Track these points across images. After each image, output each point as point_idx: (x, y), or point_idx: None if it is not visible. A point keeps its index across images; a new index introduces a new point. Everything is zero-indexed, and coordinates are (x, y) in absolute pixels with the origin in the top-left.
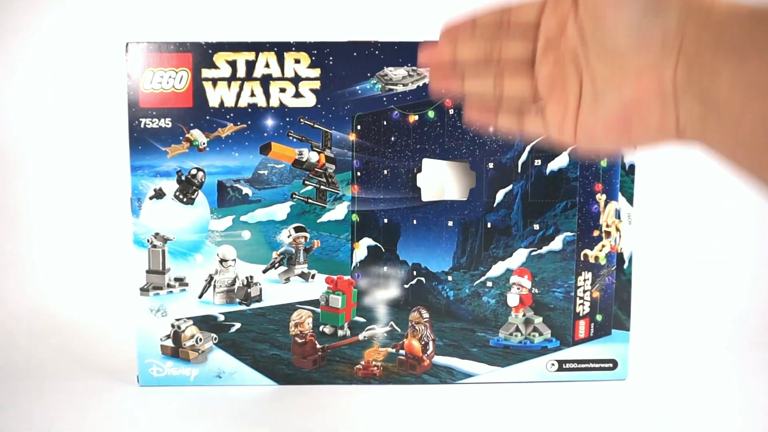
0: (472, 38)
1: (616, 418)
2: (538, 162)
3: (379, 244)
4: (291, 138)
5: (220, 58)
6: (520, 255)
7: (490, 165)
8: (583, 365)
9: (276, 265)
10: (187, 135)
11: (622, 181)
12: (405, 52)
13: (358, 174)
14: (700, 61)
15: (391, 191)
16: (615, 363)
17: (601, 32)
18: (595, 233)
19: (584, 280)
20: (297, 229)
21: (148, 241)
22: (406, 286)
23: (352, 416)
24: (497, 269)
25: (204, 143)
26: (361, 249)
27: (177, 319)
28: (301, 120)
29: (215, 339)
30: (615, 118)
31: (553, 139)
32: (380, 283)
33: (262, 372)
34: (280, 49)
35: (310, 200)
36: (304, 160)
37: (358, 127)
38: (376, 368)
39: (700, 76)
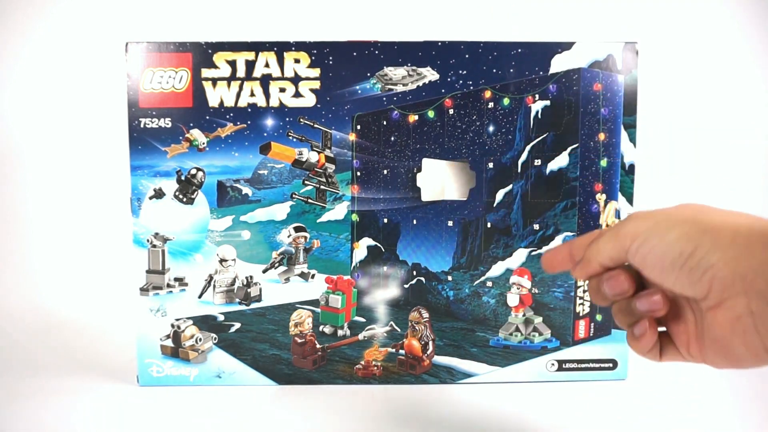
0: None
1: (616, 418)
2: (537, 162)
3: (379, 244)
4: (291, 138)
5: (220, 57)
6: (520, 255)
7: (490, 165)
8: (583, 365)
9: (276, 265)
10: (187, 135)
11: (622, 181)
12: (405, 52)
13: (358, 174)
14: None
15: (391, 191)
16: (615, 363)
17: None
18: None
19: (584, 280)
20: (297, 229)
21: (147, 241)
22: (406, 286)
23: (352, 416)
24: (497, 269)
25: (204, 143)
26: (361, 249)
27: (177, 319)
28: (301, 120)
29: (215, 339)
30: (714, 351)
31: (684, 358)
32: (380, 283)
33: (262, 372)
34: (280, 48)
35: (310, 200)
36: (303, 160)
37: (358, 127)
38: (376, 368)
39: None
